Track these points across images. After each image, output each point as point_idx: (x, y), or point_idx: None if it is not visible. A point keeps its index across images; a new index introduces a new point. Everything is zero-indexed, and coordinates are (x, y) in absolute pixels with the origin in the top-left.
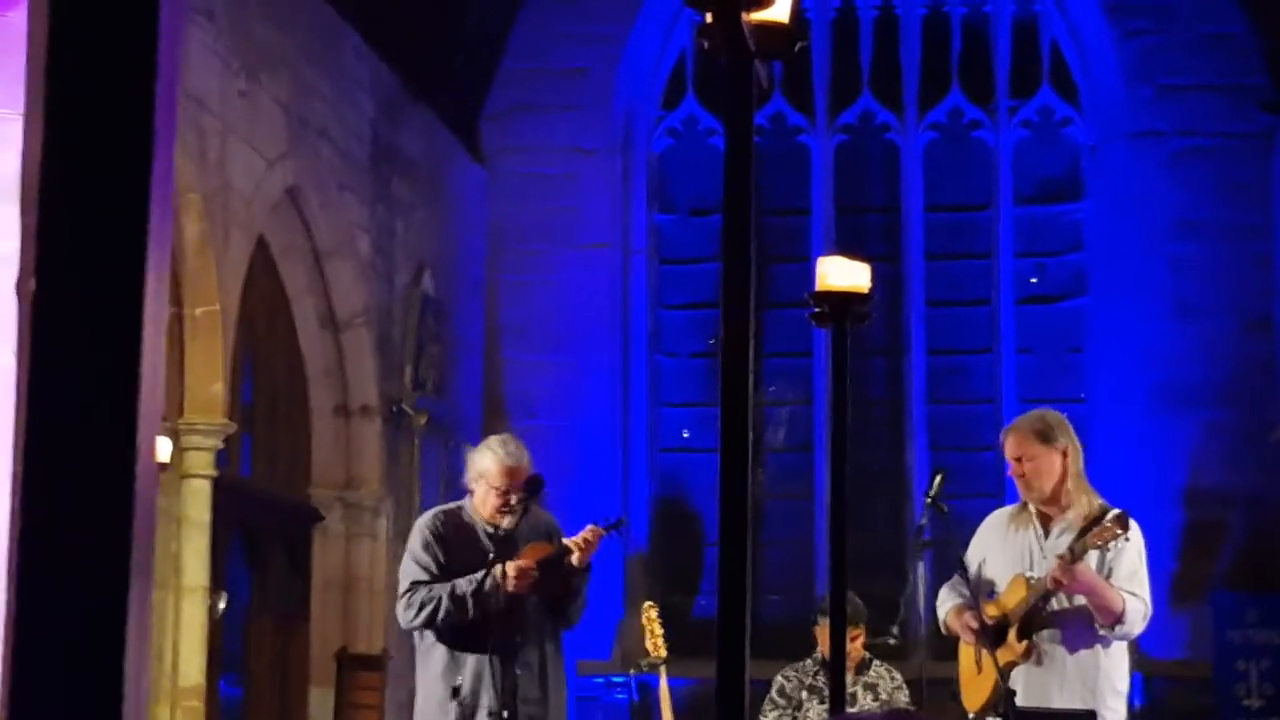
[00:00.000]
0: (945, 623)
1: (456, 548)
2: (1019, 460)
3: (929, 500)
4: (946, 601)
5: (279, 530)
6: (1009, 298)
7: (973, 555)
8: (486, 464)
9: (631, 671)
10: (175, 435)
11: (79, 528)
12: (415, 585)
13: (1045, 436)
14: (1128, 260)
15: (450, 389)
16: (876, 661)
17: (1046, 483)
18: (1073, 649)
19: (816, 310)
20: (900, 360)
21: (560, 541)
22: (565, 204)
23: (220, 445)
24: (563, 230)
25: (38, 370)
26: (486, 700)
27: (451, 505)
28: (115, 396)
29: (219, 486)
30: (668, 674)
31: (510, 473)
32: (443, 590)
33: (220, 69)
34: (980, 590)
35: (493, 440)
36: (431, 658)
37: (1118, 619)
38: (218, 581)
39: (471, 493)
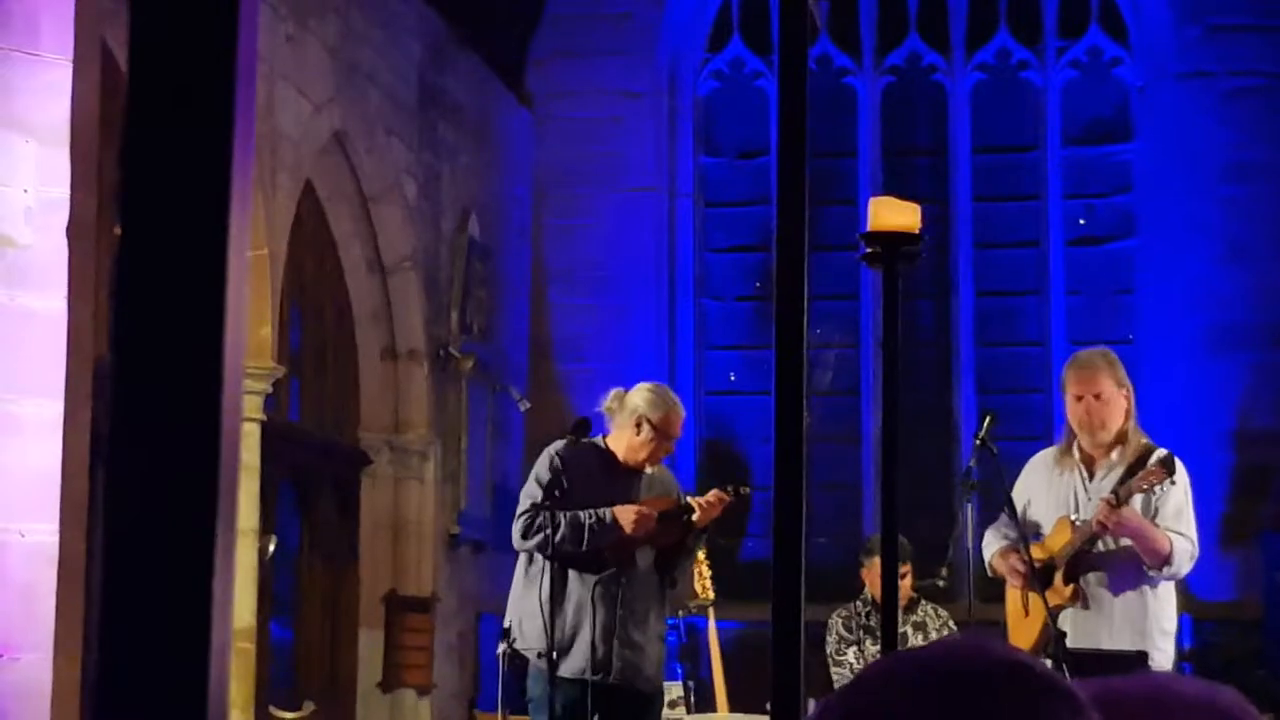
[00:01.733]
0: (991, 564)
1: (582, 479)
2: (1097, 397)
3: (978, 442)
4: (992, 543)
5: (327, 474)
6: (1058, 239)
7: (1018, 497)
8: (652, 405)
9: (680, 614)
10: None
11: (167, 478)
12: (535, 508)
13: (1117, 375)
14: (1177, 201)
15: (496, 333)
16: (924, 601)
17: (1115, 422)
18: (1119, 591)
19: (867, 251)
20: (948, 302)
21: (683, 498)
22: (611, 148)
23: (269, 390)
24: (608, 174)
25: (123, 319)
26: (586, 633)
27: (587, 439)
28: (201, 343)
29: (268, 431)
30: (715, 617)
31: (677, 422)
32: (563, 517)
33: (268, 14)
34: (1026, 532)
35: (654, 384)
36: (538, 583)
37: (1165, 560)
38: (267, 525)
39: (607, 433)
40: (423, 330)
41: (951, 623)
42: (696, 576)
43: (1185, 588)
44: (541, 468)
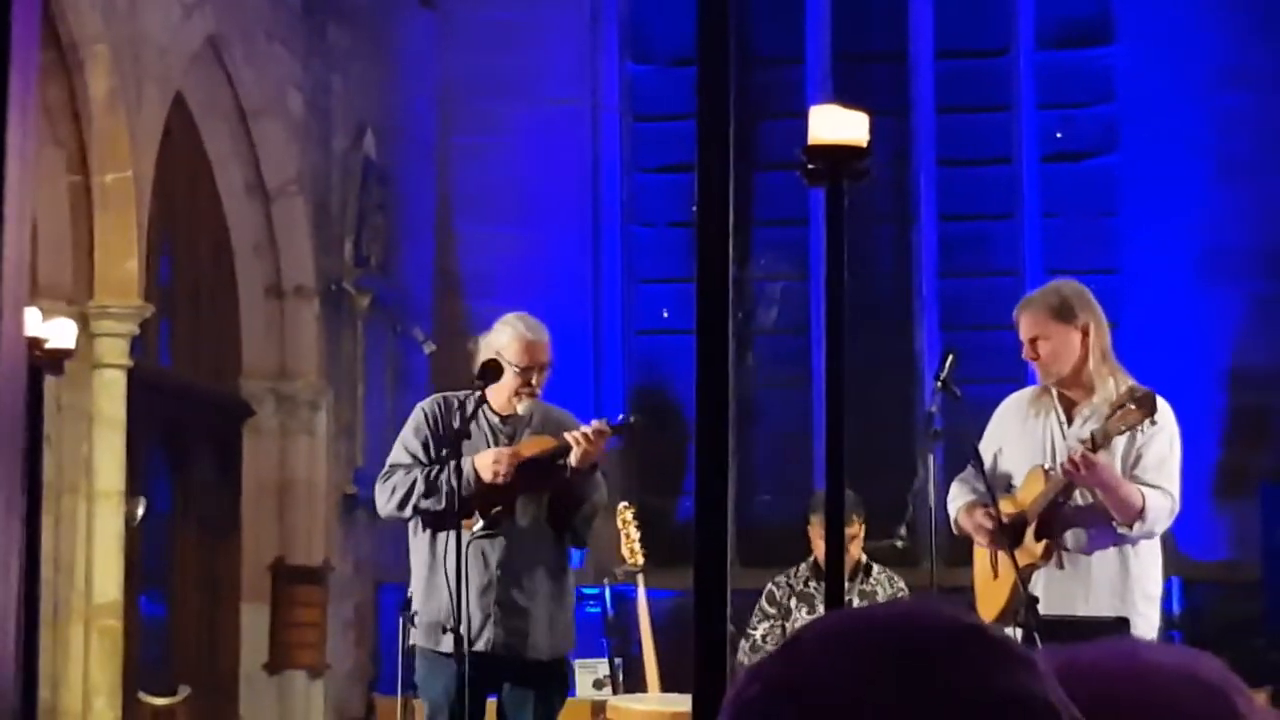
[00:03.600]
0: (957, 522)
1: (453, 436)
2: (1033, 341)
3: (939, 384)
4: (958, 498)
5: (204, 428)
6: (1031, 155)
7: (987, 445)
8: (504, 341)
9: (606, 582)
10: (84, 320)
11: None
12: (394, 468)
13: (1062, 312)
14: (1166, 112)
15: (397, 266)
16: (877, 566)
17: (1064, 365)
18: (1097, 550)
19: (809, 167)
20: (908, 228)
21: (561, 437)
22: (525, 55)
23: (136, 331)
24: (523, 84)
25: None
26: (462, 600)
27: (460, 392)
28: None
29: (135, 378)
30: (646, 584)
31: (531, 349)
32: (419, 473)
33: None
34: (996, 485)
35: (509, 317)
36: (417, 553)
37: (1138, 515)
38: (135, 486)
39: (482, 380)
40: (312, 264)
41: (905, 593)
42: (624, 540)
43: (1174, 547)
44: (408, 428)
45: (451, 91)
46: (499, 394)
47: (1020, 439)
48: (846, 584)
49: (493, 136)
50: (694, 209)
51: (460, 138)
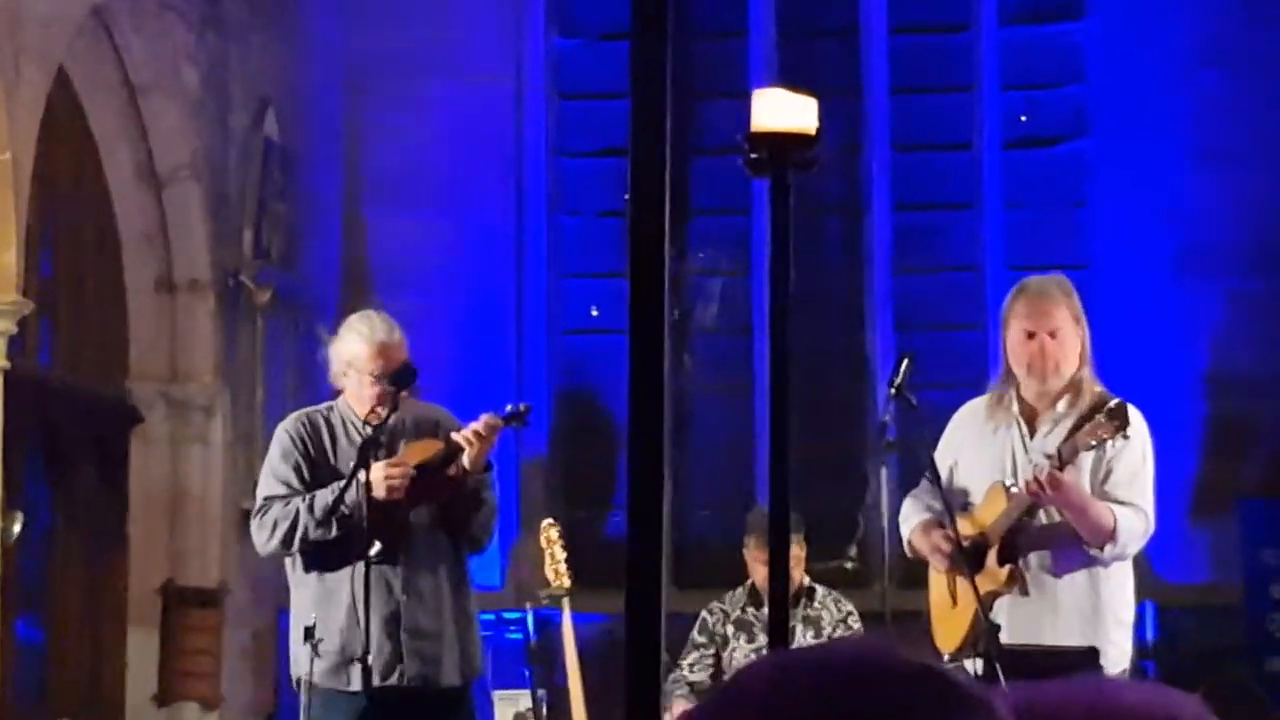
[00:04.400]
0: (910, 542)
1: (325, 456)
2: (1052, 335)
3: (893, 391)
4: (911, 516)
5: (88, 435)
6: (994, 140)
7: (942, 458)
8: (354, 348)
9: (528, 605)
10: None
11: None
12: (269, 501)
13: (1075, 308)
14: (1140, 94)
15: (301, 258)
16: (822, 590)
17: (1069, 366)
18: (1065, 573)
19: (751, 155)
20: (859, 219)
21: (449, 438)
22: (443, 26)
23: (13, 329)
24: (440, 59)
25: None
26: (364, 632)
27: (321, 406)
28: None
29: (11, 381)
30: (573, 608)
31: (384, 351)
32: (300, 504)
33: None
34: (952, 502)
35: (353, 319)
36: (301, 591)
37: (1109, 536)
38: (11, 499)
39: (341, 391)
40: (207, 255)
41: (855, 618)
42: (548, 560)
43: (1148, 568)
44: (274, 453)
45: (362, 66)
46: (359, 404)
47: (978, 451)
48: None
49: (406, 115)
50: (626, 197)
51: (371, 116)
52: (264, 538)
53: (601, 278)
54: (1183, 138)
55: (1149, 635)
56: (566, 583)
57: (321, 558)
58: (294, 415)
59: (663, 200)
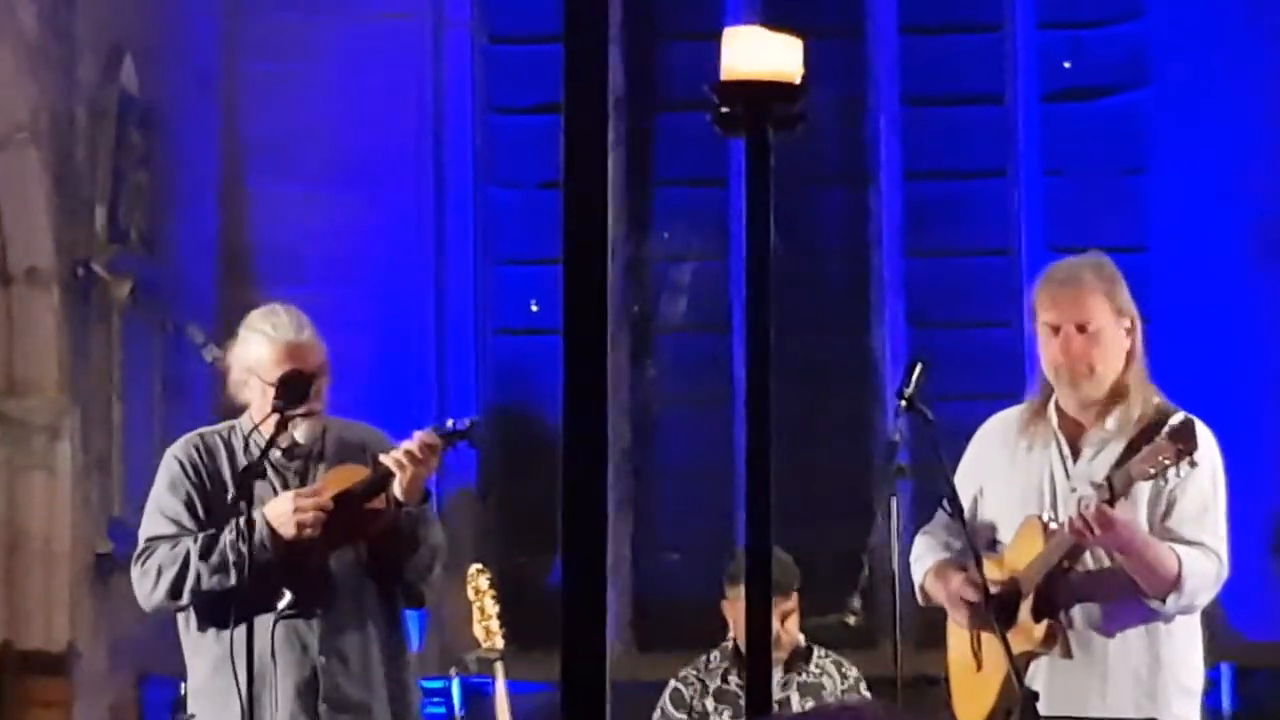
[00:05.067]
0: (924, 589)
1: (224, 487)
2: (1082, 329)
3: (904, 403)
4: (925, 557)
5: None
6: (1030, 92)
7: (964, 485)
8: (257, 351)
9: (454, 672)
10: None
11: None
12: (154, 542)
13: (1117, 297)
14: (1211, 33)
15: (168, 241)
16: (821, 651)
17: (1111, 369)
18: (1117, 630)
19: (723, 110)
20: (863, 191)
21: (377, 462)
22: None
23: None
24: None
25: None
26: (270, 701)
27: (220, 426)
28: None
29: None
30: (508, 675)
31: (293, 353)
32: (192, 545)
33: None
34: (977, 541)
35: (255, 316)
36: (199, 652)
37: (1173, 585)
38: None
39: (245, 406)
40: (50, 238)
41: (862, 685)
42: (477, 616)
43: (1223, 622)
44: (160, 484)
45: (241, 1)
46: (266, 421)
47: (1008, 478)
48: (781, 675)
49: (298, 62)
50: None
51: (254, 64)
52: (147, 587)
53: (543, 264)
54: (1265, 87)
55: (1226, 704)
56: (500, 644)
57: (219, 612)
58: (186, 438)
59: (603, 163)
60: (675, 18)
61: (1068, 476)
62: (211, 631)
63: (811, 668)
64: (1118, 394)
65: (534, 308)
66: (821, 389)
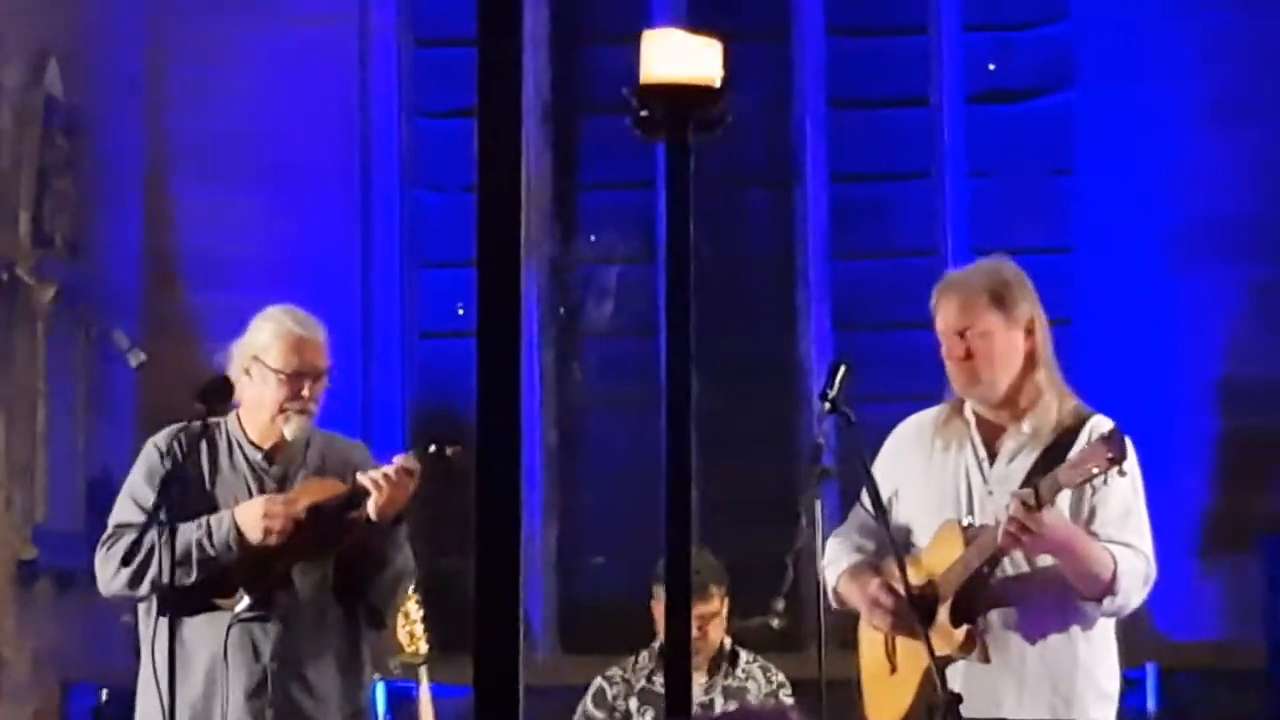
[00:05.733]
0: (837, 591)
1: (201, 481)
2: (962, 334)
3: (827, 405)
4: (840, 559)
5: None
6: (955, 94)
7: (881, 486)
8: (263, 340)
9: (376, 676)
10: None
11: None
12: (121, 529)
13: (1004, 300)
14: (1136, 35)
15: (92, 246)
16: (747, 654)
17: (1002, 374)
18: (1037, 635)
19: (641, 114)
20: (789, 193)
21: (355, 479)
22: None
23: None
24: None
25: None
26: (221, 705)
27: (208, 420)
28: None
29: None
30: (432, 679)
31: (301, 348)
32: (157, 537)
33: None
34: (895, 541)
35: (270, 309)
36: (155, 651)
37: (1108, 587)
38: None
39: (239, 404)
40: None
41: (786, 690)
42: (402, 620)
43: (1147, 623)
44: (137, 472)
45: (167, 5)
46: (255, 417)
47: (924, 480)
48: (706, 679)
49: (225, 67)
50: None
51: (180, 68)
52: (109, 572)
53: (470, 267)
54: (1188, 88)
55: (1151, 705)
56: (424, 648)
57: (178, 606)
58: (169, 428)
59: (516, 170)
60: (603, 21)
61: (985, 480)
62: (164, 637)
63: (738, 671)
64: (1027, 397)
65: (460, 311)
66: (746, 391)
